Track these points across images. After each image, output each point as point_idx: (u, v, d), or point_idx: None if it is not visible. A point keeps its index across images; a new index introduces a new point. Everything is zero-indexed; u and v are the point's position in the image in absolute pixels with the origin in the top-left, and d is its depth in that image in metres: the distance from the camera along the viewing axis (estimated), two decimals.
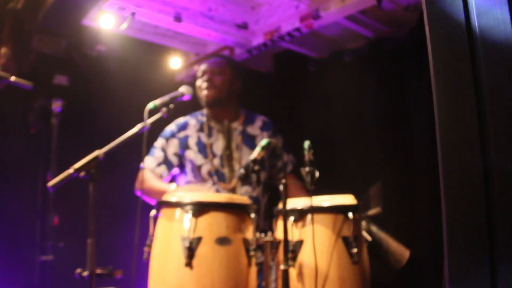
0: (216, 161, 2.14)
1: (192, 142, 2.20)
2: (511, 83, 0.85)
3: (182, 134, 2.22)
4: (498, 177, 0.81)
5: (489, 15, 0.87)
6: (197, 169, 2.13)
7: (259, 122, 2.30)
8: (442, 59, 0.93)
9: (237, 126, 2.24)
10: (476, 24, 0.90)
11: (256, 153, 1.59)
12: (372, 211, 1.78)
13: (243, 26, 2.77)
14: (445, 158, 0.88)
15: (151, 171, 2.15)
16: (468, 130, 0.87)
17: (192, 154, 2.17)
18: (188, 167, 2.17)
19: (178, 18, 2.51)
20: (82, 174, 1.59)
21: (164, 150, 2.19)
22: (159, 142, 2.22)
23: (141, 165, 2.18)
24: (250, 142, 2.21)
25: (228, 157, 2.16)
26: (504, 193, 0.81)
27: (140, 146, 1.75)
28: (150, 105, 1.83)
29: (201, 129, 2.23)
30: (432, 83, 0.93)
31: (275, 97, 3.36)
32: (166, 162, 2.18)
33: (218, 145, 2.18)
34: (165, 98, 1.92)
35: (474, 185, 0.83)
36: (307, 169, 1.52)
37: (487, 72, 0.87)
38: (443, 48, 0.93)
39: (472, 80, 0.87)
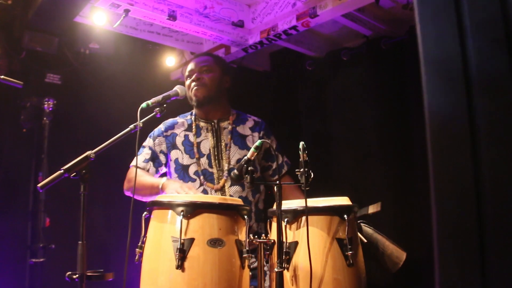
0: (204, 161, 2.10)
1: (179, 141, 2.16)
2: (504, 83, 0.83)
3: (169, 133, 2.19)
4: (489, 180, 0.79)
5: (480, 13, 0.85)
6: (183, 169, 2.09)
7: (250, 122, 2.25)
8: (433, 59, 0.91)
9: (226, 125, 2.19)
10: (468, 22, 0.87)
11: (250, 153, 1.55)
12: (371, 209, 1.76)
13: (239, 24, 2.74)
14: (436, 161, 0.85)
15: (139, 169, 2.11)
16: (459, 132, 0.84)
17: (179, 154, 2.13)
18: (172, 168, 2.13)
19: (172, 16, 2.47)
20: (72, 174, 1.55)
21: (151, 148, 2.16)
22: (147, 141, 2.19)
23: (130, 165, 2.15)
24: (240, 141, 2.16)
25: (216, 156, 2.11)
26: (495, 196, 0.79)
27: (132, 146, 1.72)
28: (143, 104, 1.79)
29: (189, 129, 2.19)
30: (423, 85, 0.91)
31: (272, 96, 3.33)
32: (154, 159, 2.15)
33: (206, 144, 2.14)
34: (158, 97, 1.89)
35: (465, 188, 0.81)
36: (301, 170, 1.49)
37: (479, 74, 0.84)
38: (434, 48, 0.90)
39: (464, 81, 0.85)
